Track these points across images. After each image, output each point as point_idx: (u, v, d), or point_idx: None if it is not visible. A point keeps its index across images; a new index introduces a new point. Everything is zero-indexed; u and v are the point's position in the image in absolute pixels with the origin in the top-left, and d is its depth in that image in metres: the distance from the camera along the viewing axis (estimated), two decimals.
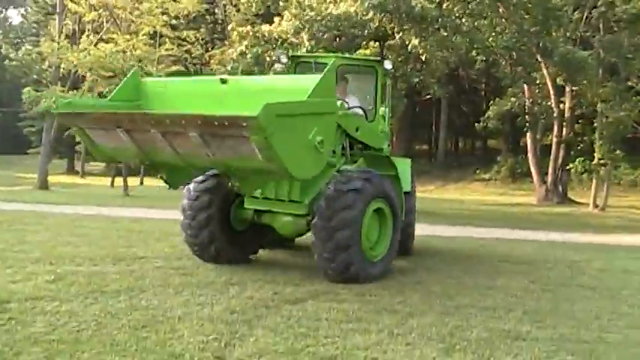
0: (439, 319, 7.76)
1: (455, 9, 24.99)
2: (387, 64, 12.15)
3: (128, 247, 12.64)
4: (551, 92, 34.26)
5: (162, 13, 43.41)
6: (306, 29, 21.43)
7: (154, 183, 43.52)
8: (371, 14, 21.30)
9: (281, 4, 22.50)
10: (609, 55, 30.72)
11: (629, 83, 31.87)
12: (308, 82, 8.87)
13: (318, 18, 21.71)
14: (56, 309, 7.51)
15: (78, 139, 57.64)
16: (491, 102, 40.22)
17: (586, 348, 6.97)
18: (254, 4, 22.57)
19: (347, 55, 15.32)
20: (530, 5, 25.85)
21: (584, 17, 33.19)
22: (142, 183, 43.13)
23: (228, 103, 9.38)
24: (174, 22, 49.54)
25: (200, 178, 10.91)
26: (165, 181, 9.96)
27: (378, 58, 14.52)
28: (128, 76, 10.55)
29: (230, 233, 11.16)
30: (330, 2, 22.90)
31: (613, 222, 25.44)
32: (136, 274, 9.79)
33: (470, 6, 24.80)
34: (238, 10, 47.44)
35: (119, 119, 8.56)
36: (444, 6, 24.71)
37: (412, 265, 11.69)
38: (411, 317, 7.81)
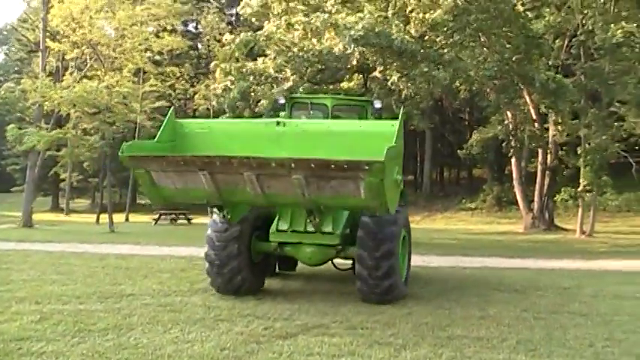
0: (432, 351, 7.68)
1: (437, 39, 25.17)
2: (377, 104, 12.74)
3: (115, 284, 12.49)
4: (535, 119, 34.49)
5: (146, 50, 43.61)
6: (290, 65, 21.53)
7: (139, 219, 43.46)
8: (352, 48, 21.42)
9: (263, 43, 22.61)
10: (591, 82, 30.97)
11: (611, 109, 32.11)
12: (369, 126, 11.14)
13: (300, 54, 21.81)
14: (42, 349, 7.37)
15: (64, 175, 57.77)
16: (475, 130, 40.46)
17: None
18: (237, 52, 22.66)
19: (340, 95, 16.20)
20: (511, 35, 26.09)
21: (565, 45, 33.53)
22: (127, 219, 42.91)
23: (285, 145, 10.24)
24: (157, 58, 49.82)
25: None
26: (224, 216, 10.42)
27: (369, 99, 15.17)
28: (167, 116, 10.71)
29: (251, 264, 11.56)
30: (311, 38, 23.02)
31: (600, 247, 25.47)
32: (124, 311, 9.65)
33: (452, 37, 24.98)
34: (223, 46, 47.56)
35: (210, 163, 8.71)
36: (426, 37, 24.91)
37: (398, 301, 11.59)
38: (404, 349, 7.73)
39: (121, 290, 11.70)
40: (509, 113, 34.81)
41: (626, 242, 28.05)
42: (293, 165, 8.38)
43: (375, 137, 9.93)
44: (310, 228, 10.95)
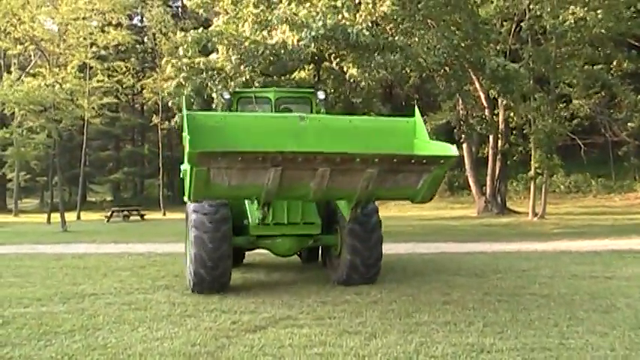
0: (402, 338, 7.74)
1: (387, 28, 25.25)
2: (320, 95, 12.98)
3: (75, 284, 12.31)
4: (485, 105, 34.88)
5: (91, 45, 42.95)
6: (243, 60, 21.31)
7: (91, 217, 42.85)
8: (312, 45, 21.35)
9: (216, 39, 22.31)
10: (538, 66, 31.44)
11: (559, 92, 32.70)
12: (387, 123, 11.32)
13: (252, 46, 21.64)
14: (9, 355, 7.23)
15: (10, 175, 56.51)
16: (426, 117, 40.68)
17: (550, 355, 7.04)
18: (190, 50, 22.36)
19: (284, 88, 16.23)
20: (460, 21, 26.28)
21: (513, 30, 33.97)
22: (79, 218, 42.24)
23: (308, 140, 10.20)
24: (103, 52, 49.12)
25: (211, 208, 10.95)
26: (264, 214, 9.98)
27: (312, 90, 14.84)
28: (184, 109, 10.48)
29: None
30: (262, 31, 22.83)
31: (553, 229, 25.90)
32: (88, 312, 9.53)
33: (402, 25, 25.09)
34: (169, 39, 47.06)
35: (291, 159, 8.34)
36: (377, 26, 24.93)
37: (365, 284, 11.63)
38: (374, 337, 7.77)
39: (82, 290, 11.53)
40: (459, 100, 35.14)
41: (578, 223, 28.58)
42: (376, 160, 8.37)
43: (393, 133, 10.43)
44: (293, 219, 11.35)
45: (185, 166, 9.93)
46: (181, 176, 11.62)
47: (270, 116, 11.96)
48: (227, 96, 13.03)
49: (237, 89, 16.02)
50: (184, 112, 10.18)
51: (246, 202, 11.26)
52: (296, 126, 10.52)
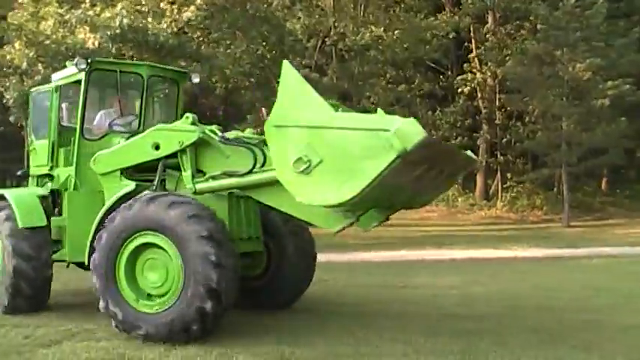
0: (202, 349, 7.54)
1: (194, 36, 25.16)
2: (195, 78, 11.20)
3: None
4: None
5: None
6: (42, 57, 20.46)
7: None
8: (110, 46, 20.80)
9: (13, 33, 21.23)
10: (342, 81, 32.49)
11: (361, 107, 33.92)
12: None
13: (53, 46, 20.80)
14: None
15: None
16: (230, 128, 40.60)
17: None
18: None
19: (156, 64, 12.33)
20: (267, 34, 26.67)
21: (318, 46, 34.94)
22: None
23: None
24: None
25: None
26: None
27: (185, 71, 12.30)
28: None
29: None
30: (65, 30, 21.99)
31: (349, 240, 26.60)
32: None
33: (210, 34, 25.11)
34: None
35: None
36: (184, 34, 24.75)
37: None
38: (174, 348, 7.54)
39: None
40: (263, 109, 35.47)
41: (372, 235, 29.43)
42: None
43: None
44: (253, 233, 9.49)
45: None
46: None
47: None
48: (82, 65, 9.70)
49: (99, 59, 11.92)
50: None
51: None
52: None
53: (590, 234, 28.68)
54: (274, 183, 7.70)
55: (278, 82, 7.37)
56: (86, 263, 8.65)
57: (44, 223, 9.81)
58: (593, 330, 8.81)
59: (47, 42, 20.39)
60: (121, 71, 10.53)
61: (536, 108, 34.36)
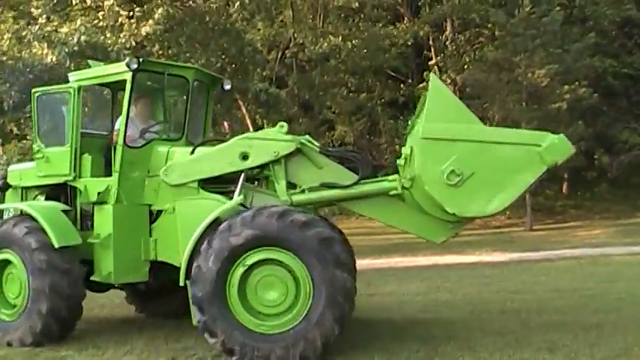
0: None
1: (153, 50, 25.07)
2: (227, 85, 10.42)
3: None
4: (251, 129, 35.53)
5: None
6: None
7: None
8: (68, 63, 20.64)
9: None
10: (302, 92, 32.63)
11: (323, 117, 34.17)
12: None
13: (10, 62, 20.66)
14: None
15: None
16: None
17: None
18: None
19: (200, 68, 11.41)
20: (226, 46, 26.66)
21: (279, 57, 35.02)
22: None
23: None
24: None
25: None
26: None
27: (222, 77, 11.45)
28: None
29: None
30: (21, 46, 21.83)
31: None
32: None
33: (170, 48, 25.03)
34: None
35: None
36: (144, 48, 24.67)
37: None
38: None
39: None
40: (225, 123, 35.49)
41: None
42: None
43: None
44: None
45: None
46: None
47: None
48: (134, 65, 8.78)
49: (148, 59, 11.15)
50: None
51: None
52: None
53: (552, 237, 29.02)
54: (381, 195, 8.03)
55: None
56: (181, 283, 7.94)
57: (79, 240, 8.87)
58: (556, 331, 8.93)
59: (4, 58, 20.24)
60: (168, 74, 9.61)
61: (497, 114, 34.68)
